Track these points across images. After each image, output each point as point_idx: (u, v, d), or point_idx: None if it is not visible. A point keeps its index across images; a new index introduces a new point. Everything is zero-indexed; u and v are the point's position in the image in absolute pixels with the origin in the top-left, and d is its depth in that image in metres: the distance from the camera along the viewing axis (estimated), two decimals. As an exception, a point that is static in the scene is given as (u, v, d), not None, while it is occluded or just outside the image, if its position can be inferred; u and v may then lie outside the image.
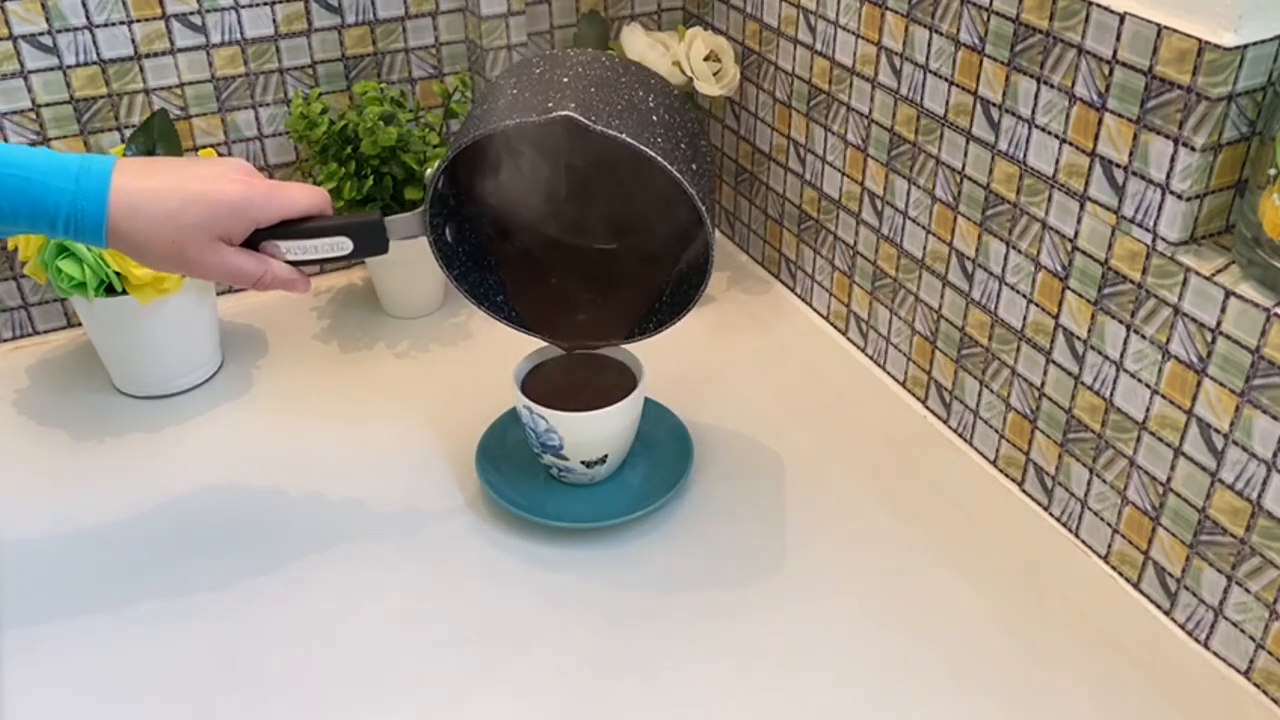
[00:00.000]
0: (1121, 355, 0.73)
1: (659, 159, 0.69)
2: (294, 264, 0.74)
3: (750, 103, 1.06)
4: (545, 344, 0.85)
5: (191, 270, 0.71)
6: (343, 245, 0.74)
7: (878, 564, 0.79)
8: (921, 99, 0.84)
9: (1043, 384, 0.80)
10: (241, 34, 0.99)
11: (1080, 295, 0.75)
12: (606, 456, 0.82)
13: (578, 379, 0.85)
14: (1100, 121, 0.70)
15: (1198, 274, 0.66)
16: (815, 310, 1.05)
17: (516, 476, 0.84)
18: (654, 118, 0.72)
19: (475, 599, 0.76)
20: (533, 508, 0.81)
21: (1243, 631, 0.69)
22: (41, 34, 0.92)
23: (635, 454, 0.86)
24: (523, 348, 0.85)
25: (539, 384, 0.83)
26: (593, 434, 0.80)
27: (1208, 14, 0.62)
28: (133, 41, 0.95)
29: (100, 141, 0.98)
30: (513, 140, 0.76)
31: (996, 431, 0.85)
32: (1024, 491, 0.84)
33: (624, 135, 0.69)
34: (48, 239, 0.86)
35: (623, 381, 0.83)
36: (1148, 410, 0.72)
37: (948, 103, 0.81)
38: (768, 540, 0.81)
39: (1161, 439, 0.71)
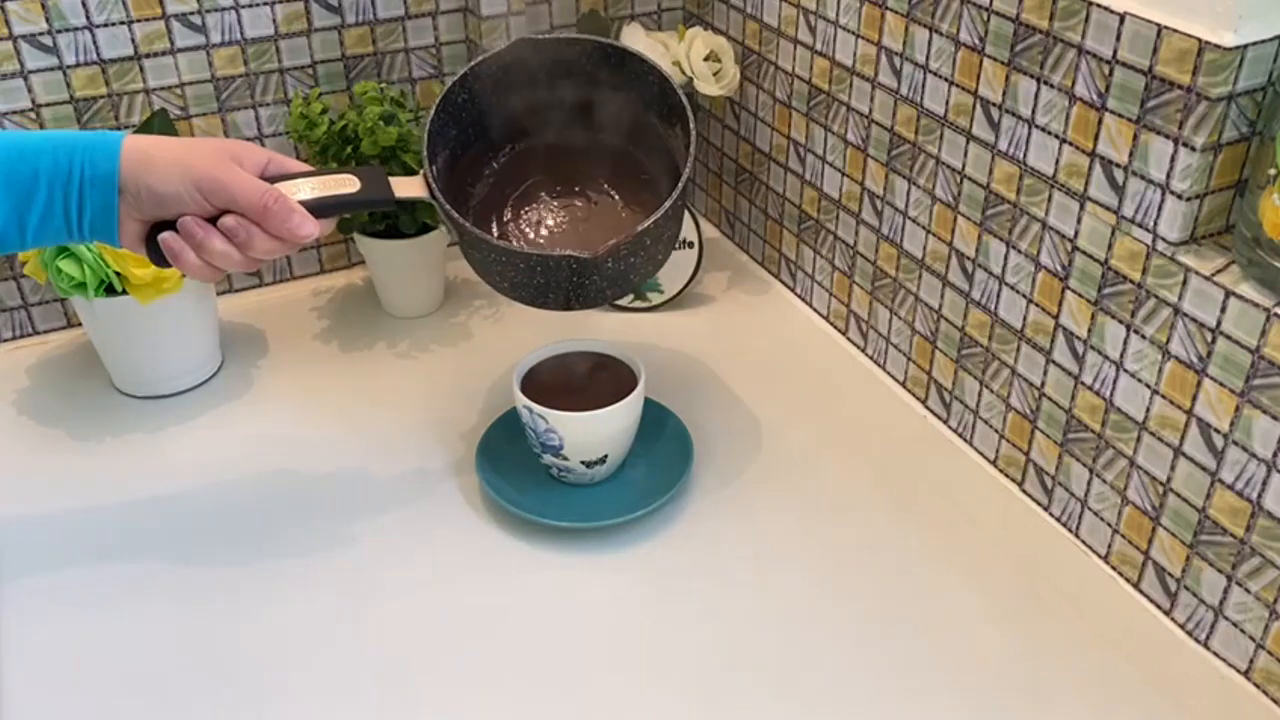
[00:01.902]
0: (1121, 355, 0.73)
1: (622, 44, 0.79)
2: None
3: (750, 103, 1.06)
4: (544, 345, 0.86)
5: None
6: (349, 182, 0.74)
7: (878, 564, 0.79)
8: (921, 99, 0.84)
9: (1043, 384, 0.80)
10: (241, 34, 0.99)
11: (1080, 295, 0.74)
12: (606, 456, 0.82)
13: (578, 379, 0.85)
14: (1100, 121, 0.70)
15: (1198, 274, 0.66)
16: (815, 310, 1.05)
17: (516, 476, 0.84)
18: None
19: (475, 599, 0.76)
20: (533, 508, 0.81)
21: (1243, 631, 0.69)
22: (41, 34, 0.92)
23: (635, 454, 0.86)
24: (523, 348, 0.85)
25: (539, 384, 0.83)
26: (593, 434, 0.80)
27: (1208, 14, 0.62)
28: (133, 41, 0.95)
29: (100, 141, 0.98)
30: (483, 87, 0.81)
31: (996, 431, 0.85)
32: (1024, 491, 0.84)
33: (582, 34, 0.79)
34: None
35: (623, 381, 0.83)
36: (1148, 410, 0.72)
37: (948, 103, 0.81)
38: (767, 540, 0.81)
39: (1161, 439, 0.71)
